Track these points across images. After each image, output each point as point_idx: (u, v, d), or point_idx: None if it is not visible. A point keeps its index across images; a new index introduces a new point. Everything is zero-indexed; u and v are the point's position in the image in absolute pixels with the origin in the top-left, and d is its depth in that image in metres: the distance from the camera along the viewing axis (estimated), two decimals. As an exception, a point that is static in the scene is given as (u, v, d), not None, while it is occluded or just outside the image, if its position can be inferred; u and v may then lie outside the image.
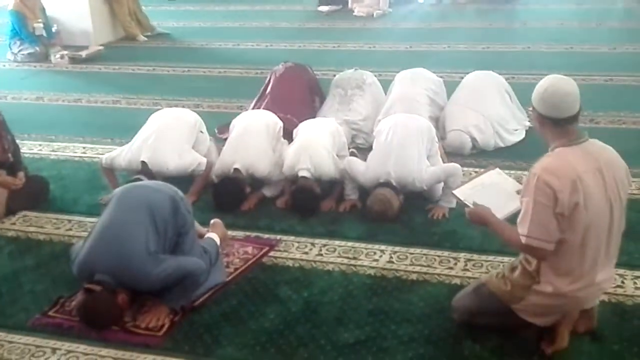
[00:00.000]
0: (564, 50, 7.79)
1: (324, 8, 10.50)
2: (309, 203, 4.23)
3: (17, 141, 4.63)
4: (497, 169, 3.38)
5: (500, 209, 2.94)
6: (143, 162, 4.27)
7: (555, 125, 2.71)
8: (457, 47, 8.16)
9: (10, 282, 3.63)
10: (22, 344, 3.15)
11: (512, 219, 2.85)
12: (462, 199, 3.16)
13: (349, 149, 4.71)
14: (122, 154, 4.39)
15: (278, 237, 3.97)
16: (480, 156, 4.93)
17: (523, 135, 5.19)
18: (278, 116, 4.76)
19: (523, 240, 2.69)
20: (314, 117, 5.12)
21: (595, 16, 9.45)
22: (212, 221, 3.88)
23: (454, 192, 3.36)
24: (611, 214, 2.70)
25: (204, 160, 4.43)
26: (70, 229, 4.17)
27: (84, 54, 8.24)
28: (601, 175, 2.66)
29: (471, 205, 3.02)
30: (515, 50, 7.91)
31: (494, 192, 3.12)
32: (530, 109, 2.82)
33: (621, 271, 3.40)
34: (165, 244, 3.24)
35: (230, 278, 3.55)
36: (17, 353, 3.09)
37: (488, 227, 2.95)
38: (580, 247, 2.68)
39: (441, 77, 5.62)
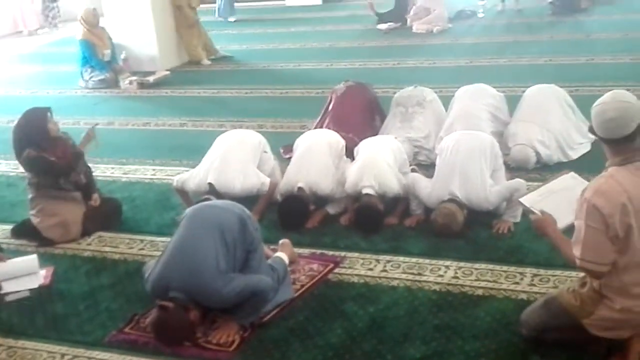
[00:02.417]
0: (629, 61, 7.61)
1: (383, 26, 10.54)
2: (373, 220, 4.27)
3: (91, 165, 4.85)
4: (572, 173, 3.33)
5: (567, 216, 2.92)
6: (210, 184, 4.40)
7: (610, 144, 2.73)
8: (519, 61, 8.08)
9: (88, 300, 3.79)
10: (100, 359, 3.29)
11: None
12: (528, 205, 3.14)
13: (410, 165, 4.74)
14: (191, 178, 4.53)
15: (342, 254, 4.02)
16: (543, 170, 4.88)
17: (588, 148, 5.11)
18: (340, 135, 4.84)
19: (577, 262, 2.74)
20: (375, 135, 5.15)
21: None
22: (280, 241, 3.96)
23: (520, 199, 3.33)
24: None
25: (267, 180, 4.52)
26: (143, 249, 4.32)
27: (151, 79, 8.51)
28: None
29: (537, 213, 3.01)
30: (578, 62, 7.78)
31: (562, 198, 3.07)
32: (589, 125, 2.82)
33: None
34: (235, 262, 3.33)
35: (297, 294, 3.62)
36: (96, 368, 3.23)
37: (547, 239, 2.96)
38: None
39: (503, 91, 5.59)
